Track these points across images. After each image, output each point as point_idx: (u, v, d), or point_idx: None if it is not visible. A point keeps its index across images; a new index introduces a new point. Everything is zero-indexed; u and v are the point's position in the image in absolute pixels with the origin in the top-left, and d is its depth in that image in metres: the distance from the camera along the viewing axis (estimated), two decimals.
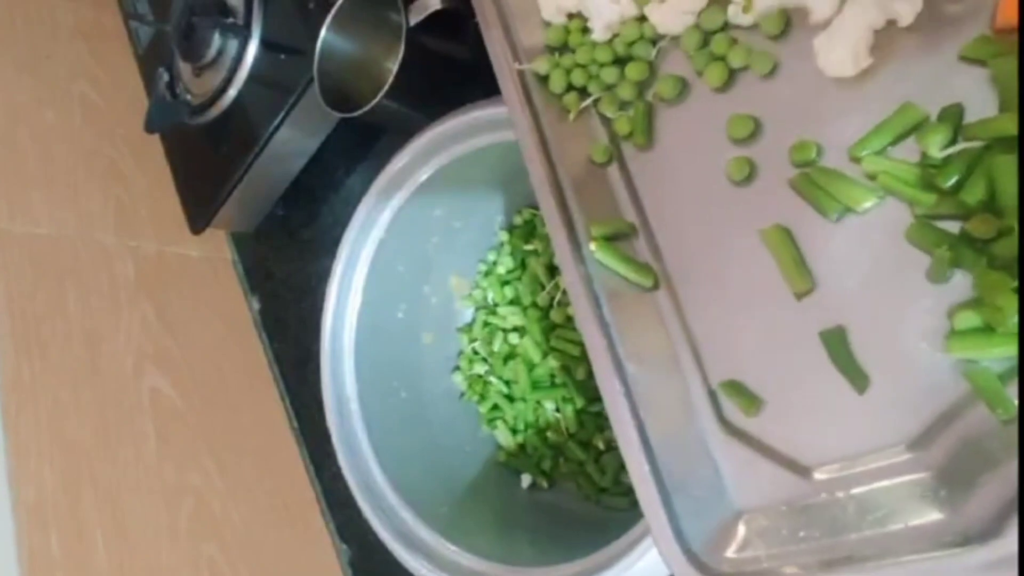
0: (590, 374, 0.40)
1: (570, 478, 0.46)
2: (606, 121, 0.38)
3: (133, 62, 0.78)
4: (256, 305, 0.74)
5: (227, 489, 0.59)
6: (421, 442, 0.48)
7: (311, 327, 0.70)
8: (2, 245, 0.58)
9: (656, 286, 0.35)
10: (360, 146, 0.66)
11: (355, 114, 0.51)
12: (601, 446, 0.44)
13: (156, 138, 0.72)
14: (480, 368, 0.50)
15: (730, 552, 0.30)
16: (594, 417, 0.45)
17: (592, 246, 0.35)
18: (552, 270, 0.47)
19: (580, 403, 0.46)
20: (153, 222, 0.72)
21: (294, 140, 0.63)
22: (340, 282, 0.47)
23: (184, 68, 0.68)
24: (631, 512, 0.43)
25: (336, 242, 0.69)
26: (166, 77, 0.67)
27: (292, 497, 0.64)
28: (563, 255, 0.35)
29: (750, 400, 0.32)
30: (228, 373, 0.68)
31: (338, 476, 0.64)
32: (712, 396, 0.33)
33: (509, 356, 0.49)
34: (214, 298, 0.73)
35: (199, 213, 0.68)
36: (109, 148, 0.73)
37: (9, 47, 0.72)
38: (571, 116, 0.38)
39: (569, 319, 0.46)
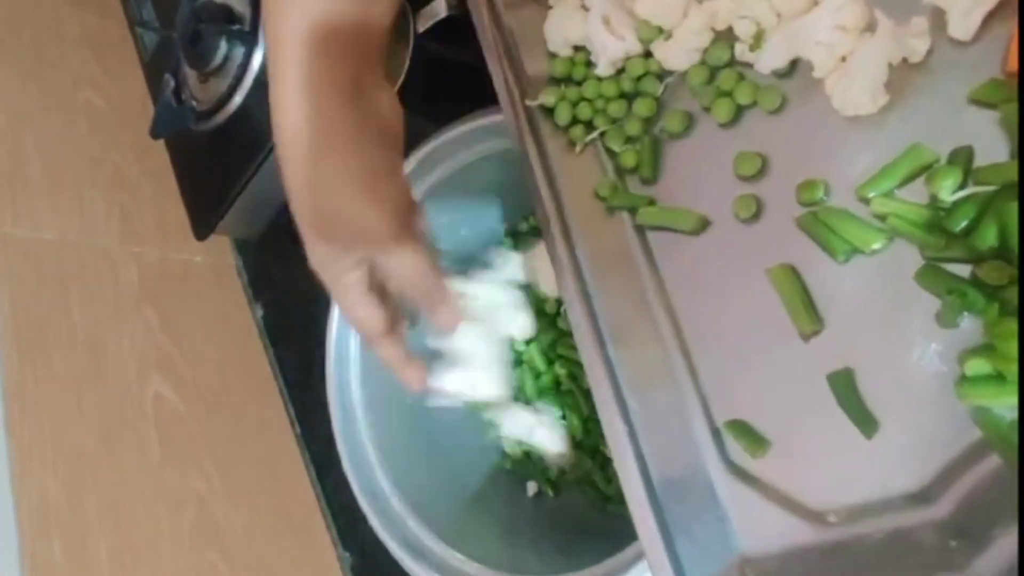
0: None
1: (576, 486, 0.46)
2: (612, 154, 0.38)
3: (137, 69, 0.78)
4: (259, 311, 0.74)
5: (229, 495, 0.59)
6: (426, 449, 0.47)
7: (313, 333, 0.70)
8: (6, 249, 0.58)
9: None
10: None
11: None
12: (608, 454, 0.44)
13: (161, 144, 0.72)
14: None
15: None
16: (600, 425, 0.45)
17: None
18: None
19: (586, 411, 0.46)
20: (157, 228, 0.72)
21: None
22: None
23: (190, 74, 0.68)
24: None
25: None
26: (172, 83, 0.67)
27: (294, 504, 0.64)
28: (568, 292, 0.35)
29: (756, 441, 0.31)
30: (231, 379, 0.68)
31: (341, 483, 0.64)
32: (717, 436, 0.32)
33: (515, 363, 0.49)
34: (217, 304, 0.73)
35: (203, 219, 0.68)
36: (114, 154, 0.73)
37: (15, 55, 0.72)
38: (577, 149, 0.38)
39: None
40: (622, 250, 0.36)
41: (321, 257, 0.35)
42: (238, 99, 0.64)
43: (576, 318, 0.34)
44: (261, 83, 0.63)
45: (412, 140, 0.54)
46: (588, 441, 0.45)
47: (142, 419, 0.58)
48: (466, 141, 0.45)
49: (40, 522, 0.47)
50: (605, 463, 0.44)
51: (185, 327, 0.66)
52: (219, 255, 0.75)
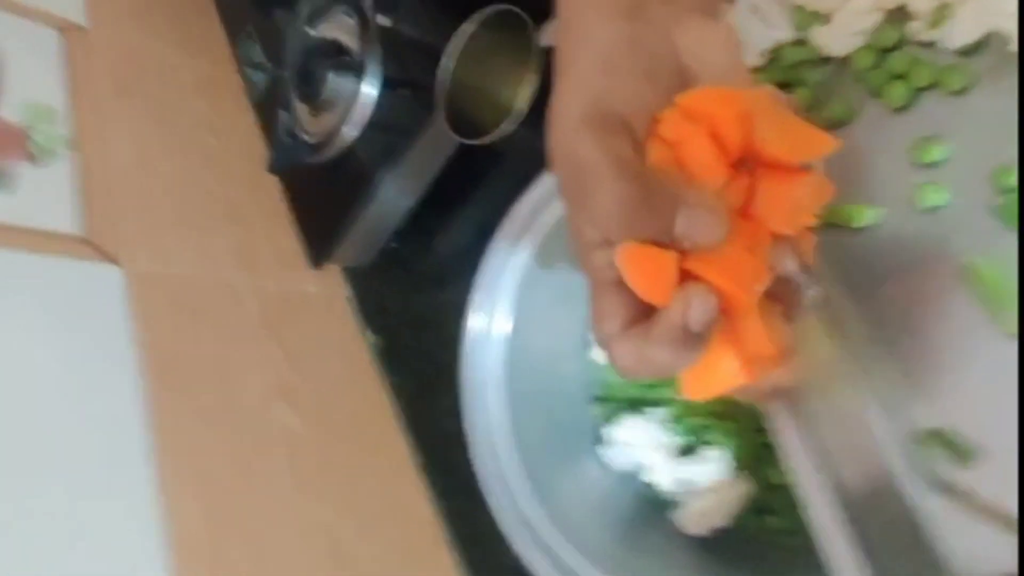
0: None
1: (744, 519, 0.43)
2: None
3: (247, 110, 0.81)
4: (371, 338, 0.74)
5: (357, 525, 0.59)
6: (569, 478, 0.45)
7: (430, 360, 0.70)
8: (143, 286, 0.60)
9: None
10: (477, 176, 0.65)
11: (483, 140, 0.50)
12: (773, 479, 0.41)
13: (270, 178, 0.74)
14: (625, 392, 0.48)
15: None
16: (765, 448, 0.42)
17: None
18: None
19: (747, 429, 0.42)
20: (272, 260, 0.73)
21: (412, 173, 0.64)
22: (479, 313, 0.46)
23: (301, 109, 0.70)
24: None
25: (451, 273, 0.69)
26: (286, 119, 0.69)
27: (420, 533, 0.63)
28: None
29: (960, 451, 0.28)
30: (350, 408, 0.68)
31: (467, 512, 0.63)
32: (915, 446, 0.29)
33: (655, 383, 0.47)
34: (332, 333, 0.73)
35: (319, 249, 0.69)
36: (228, 190, 0.75)
37: (142, 104, 0.76)
38: None
39: None
40: None
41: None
42: (350, 130, 0.65)
43: None
44: (373, 113, 0.64)
45: (528, 160, 0.53)
46: (757, 468, 0.42)
47: (272, 449, 0.58)
48: None
49: (188, 552, 0.47)
50: (770, 488, 0.41)
51: (304, 357, 0.67)
52: (331, 285, 0.76)
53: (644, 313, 0.26)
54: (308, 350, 0.69)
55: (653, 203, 0.24)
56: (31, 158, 0.64)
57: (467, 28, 0.52)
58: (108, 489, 0.48)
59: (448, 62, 0.52)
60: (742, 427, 0.42)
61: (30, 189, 0.61)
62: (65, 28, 0.76)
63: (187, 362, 0.58)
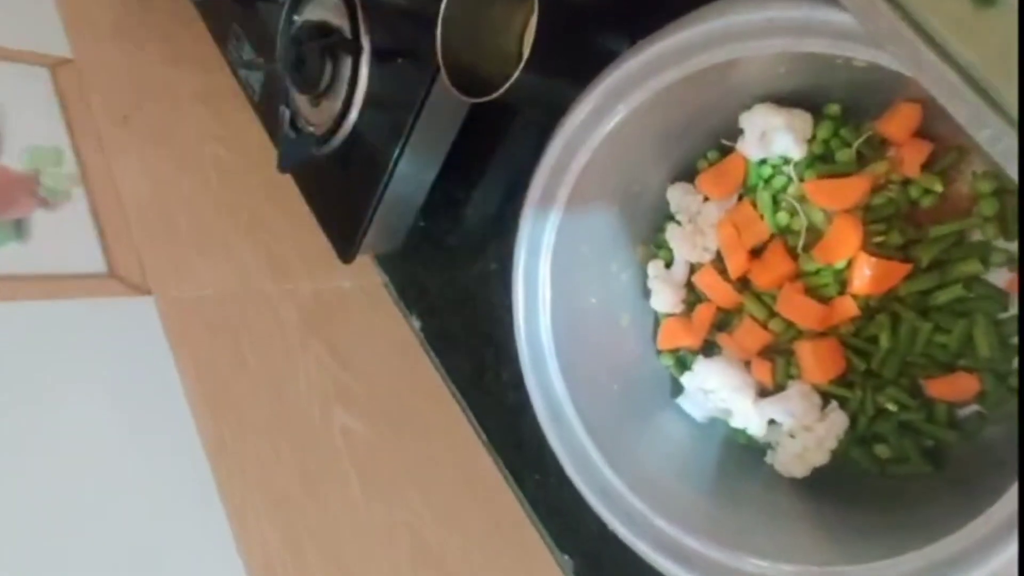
0: None
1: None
2: None
3: (249, 114, 0.79)
4: (416, 323, 0.72)
5: (436, 518, 0.57)
6: (646, 436, 0.42)
7: (480, 335, 0.67)
8: (179, 313, 0.58)
9: None
10: (494, 135, 0.61)
11: (492, 96, 0.46)
12: (890, 406, 0.36)
13: (288, 179, 0.72)
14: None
15: None
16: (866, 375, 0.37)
17: None
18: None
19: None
20: (302, 262, 0.71)
21: (425, 145, 0.60)
22: (525, 279, 0.42)
23: (301, 100, 0.66)
24: (935, 479, 0.35)
25: (485, 241, 0.65)
26: (288, 114, 0.66)
27: (501, 514, 0.61)
28: None
29: None
30: (407, 399, 0.66)
31: (543, 484, 0.60)
32: None
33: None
34: (375, 325, 0.71)
35: (346, 242, 0.66)
36: (247, 199, 0.73)
37: (144, 127, 0.74)
38: None
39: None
40: None
41: None
42: (354, 112, 0.62)
43: None
44: (374, 89, 0.60)
45: (541, 108, 0.48)
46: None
47: (336, 455, 0.57)
48: (628, 94, 0.38)
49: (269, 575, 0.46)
50: (879, 417, 0.37)
51: (353, 355, 0.65)
52: (365, 276, 0.74)
53: None
54: (356, 347, 0.67)
55: None
56: (44, 204, 0.62)
57: None
58: (179, 524, 0.47)
59: (442, 19, 0.47)
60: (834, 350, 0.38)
61: (48, 234, 0.60)
62: (54, 64, 0.74)
63: (234, 381, 0.56)
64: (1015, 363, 0.36)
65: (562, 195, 0.40)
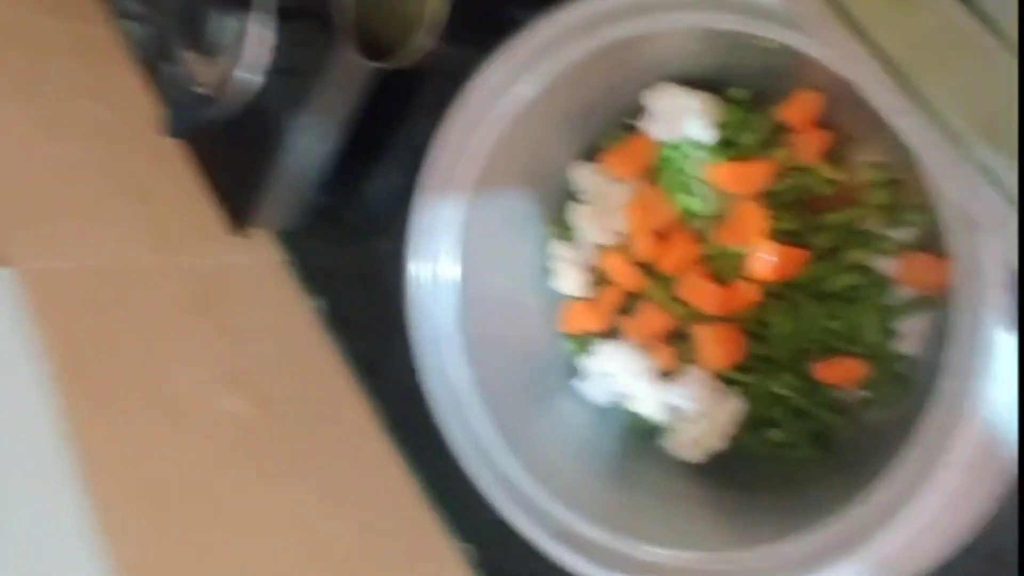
0: None
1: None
2: None
3: (133, 69, 0.72)
4: (316, 303, 0.68)
5: (330, 507, 0.54)
6: (547, 421, 0.41)
7: (380, 316, 0.64)
8: (43, 287, 0.52)
9: None
10: (401, 106, 0.58)
11: (397, 63, 0.43)
12: (784, 391, 0.37)
13: (173, 144, 0.66)
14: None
15: None
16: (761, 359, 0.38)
17: None
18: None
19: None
20: (191, 235, 0.66)
21: (325, 114, 0.56)
22: (420, 258, 0.40)
23: (190, 58, 0.61)
24: (824, 463, 0.36)
25: (389, 218, 0.63)
26: (176, 73, 0.60)
27: (399, 502, 0.59)
28: None
29: None
30: (303, 383, 0.63)
31: (443, 472, 0.59)
32: None
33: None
34: (272, 305, 0.67)
35: (237, 214, 0.62)
36: (129, 164, 0.67)
37: (8, 80, 0.66)
38: None
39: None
40: None
41: None
42: (248, 73, 0.57)
43: None
44: (270, 49, 0.56)
45: (445, 76, 0.46)
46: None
47: (221, 441, 0.53)
48: (529, 70, 0.36)
49: (136, 573, 0.42)
50: (774, 402, 0.37)
51: (245, 335, 0.61)
52: (264, 253, 0.69)
53: None
54: (249, 328, 0.63)
55: None
56: None
57: None
58: (37, 519, 0.42)
59: None
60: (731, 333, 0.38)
61: None
62: None
63: (106, 362, 0.51)
64: (899, 348, 0.37)
65: (464, 171, 0.38)
